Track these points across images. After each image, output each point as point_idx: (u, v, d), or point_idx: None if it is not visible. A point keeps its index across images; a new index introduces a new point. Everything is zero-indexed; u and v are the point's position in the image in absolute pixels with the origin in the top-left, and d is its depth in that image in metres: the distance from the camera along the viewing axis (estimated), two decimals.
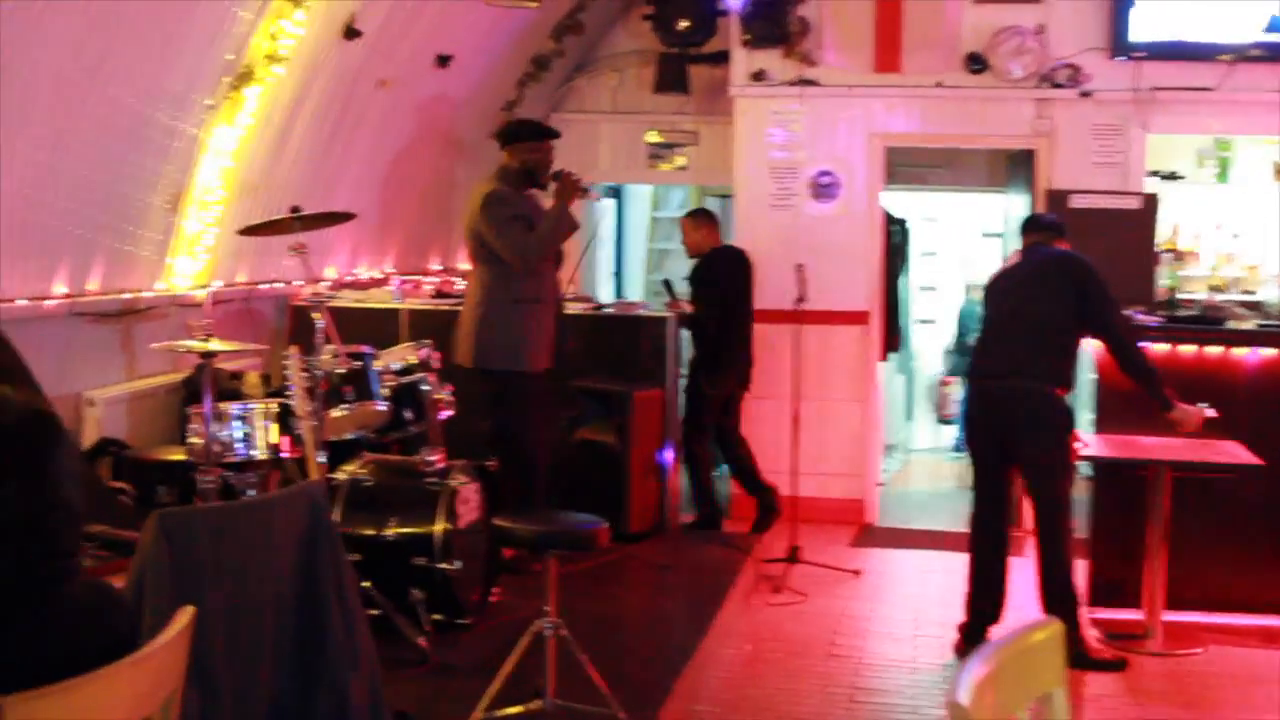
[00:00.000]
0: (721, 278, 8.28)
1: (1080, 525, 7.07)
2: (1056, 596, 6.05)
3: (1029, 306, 6.21)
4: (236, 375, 6.62)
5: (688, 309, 8.08)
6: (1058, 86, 8.84)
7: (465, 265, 10.03)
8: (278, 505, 3.68)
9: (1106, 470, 6.97)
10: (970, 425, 6.52)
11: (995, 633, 6.27)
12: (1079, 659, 6.01)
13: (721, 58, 9.44)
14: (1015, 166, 9.52)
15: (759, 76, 9.07)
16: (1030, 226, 6.69)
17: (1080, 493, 7.08)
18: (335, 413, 5.47)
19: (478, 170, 9.64)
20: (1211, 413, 6.25)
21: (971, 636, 6.28)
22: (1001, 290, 6.44)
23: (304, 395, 4.88)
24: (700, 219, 8.57)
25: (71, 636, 2.33)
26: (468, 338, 6.55)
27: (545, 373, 6.65)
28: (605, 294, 11.22)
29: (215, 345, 5.27)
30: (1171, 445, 6.54)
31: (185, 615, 2.56)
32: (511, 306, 6.49)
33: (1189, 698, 5.99)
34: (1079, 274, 6.19)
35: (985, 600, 6.30)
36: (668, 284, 8.48)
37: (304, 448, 4.95)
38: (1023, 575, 6.49)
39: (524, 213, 6.51)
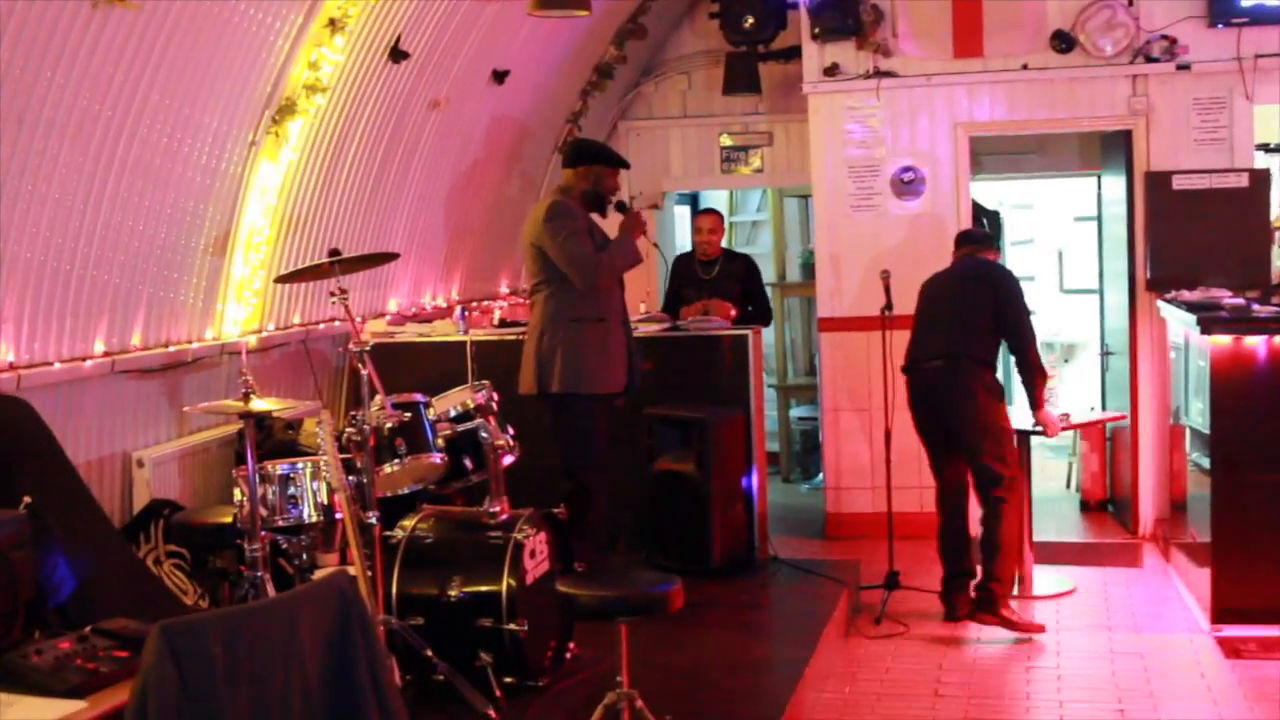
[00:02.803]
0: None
1: (1201, 531, 6.76)
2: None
3: (954, 303, 6.96)
4: (293, 425, 6.30)
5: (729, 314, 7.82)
6: (1153, 61, 8.31)
7: None
8: (301, 602, 3.30)
9: (1225, 473, 6.52)
10: (912, 406, 7.06)
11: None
12: (983, 605, 6.71)
13: (793, 53, 9.05)
14: (1110, 147, 8.99)
15: (832, 71, 8.63)
16: (963, 240, 7.33)
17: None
18: (388, 468, 5.15)
19: (543, 188, 9.32)
20: (1063, 416, 7.37)
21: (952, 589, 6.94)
22: (932, 292, 7.15)
23: (338, 467, 4.51)
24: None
25: None
26: (528, 362, 6.22)
27: (615, 397, 6.28)
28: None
29: (257, 404, 4.91)
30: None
31: None
32: (570, 326, 6.14)
33: None
34: (996, 279, 6.98)
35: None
36: None
37: (345, 523, 4.57)
38: None
39: (589, 229, 6.17)
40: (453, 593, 5.16)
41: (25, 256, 4.94)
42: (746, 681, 5.55)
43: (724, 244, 8.69)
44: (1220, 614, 6.54)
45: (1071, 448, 9.91)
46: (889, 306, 7.32)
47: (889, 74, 8.58)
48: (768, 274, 10.97)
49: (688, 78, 10.06)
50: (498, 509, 5.32)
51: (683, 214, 11.24)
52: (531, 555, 5.27)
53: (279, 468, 5.09)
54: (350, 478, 4.89)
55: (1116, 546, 8.31)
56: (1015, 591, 6.99)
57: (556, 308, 6.17)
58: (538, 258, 6.19)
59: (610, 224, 6.36)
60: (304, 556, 5.21)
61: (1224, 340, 6.57)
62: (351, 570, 4.48)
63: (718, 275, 8.36)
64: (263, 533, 4.94)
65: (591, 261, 6.06)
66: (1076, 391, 11.51)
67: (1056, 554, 8.05)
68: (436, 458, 5.32)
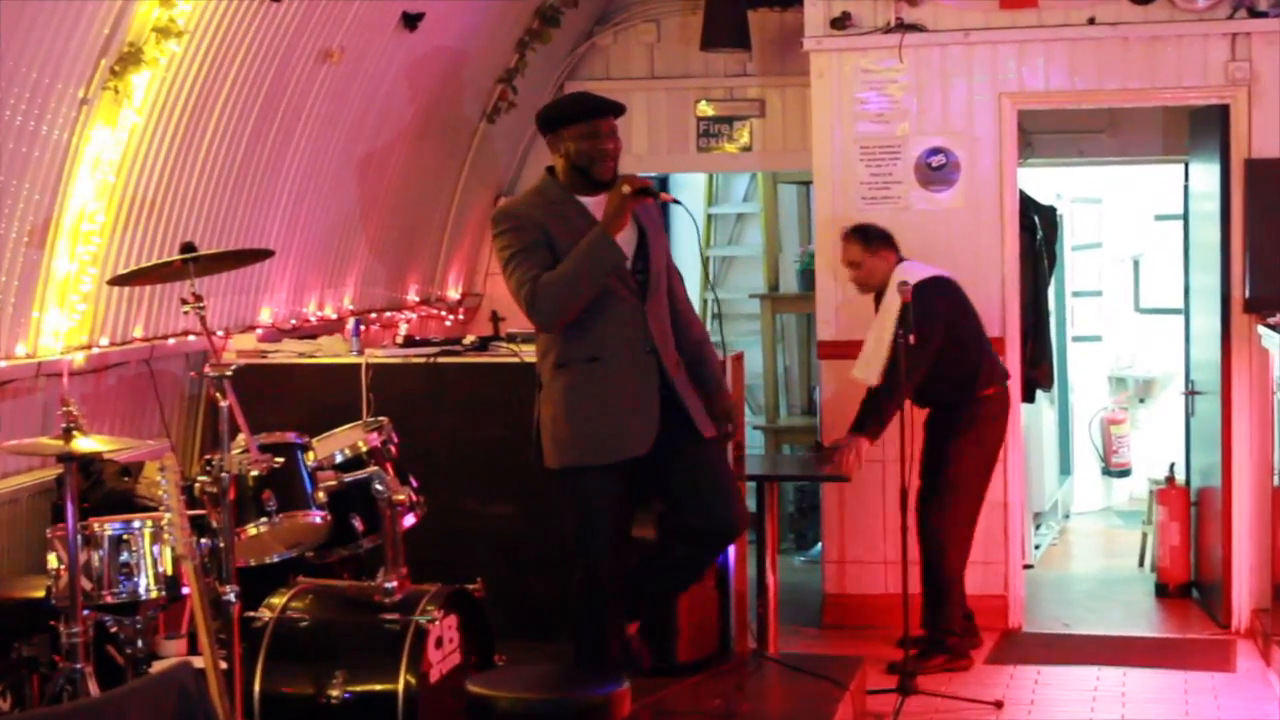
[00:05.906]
0: None
1: None
2: None
3: None
4: (130, 471, 6.30)
5: None
6: (1259, 15, 8.42)
7: (454, 293, 9.82)
8: (131, 703, 3.34)
9: None
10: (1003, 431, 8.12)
11: None
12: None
13: None
14: (1201, 126, 9.10)
15: (842, 22, 8.70)
16: (887, 241, 7.98)
17: None
18: (252, 529, 5.18)
19: (467, 166, 9.36)
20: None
21: None
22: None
23: (186, 527, 4.53)
24: None
25: None
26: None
27: (630, 464, 5.81)
28: None
29: (82, 443, 4.92)
30: None
31: None
32: (555, 373, 5.79)
33: None
34: None
35: None
36: None
37: (194, 601, 4.59)
38: None
39: (543, 238, 5.75)
40: (334, 693, 5.19)
41: None
42: None
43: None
44: None
45: (1146, 515, 10.00)
46: (910, 328, 7.36)
47: (915, 27, 8.65)
48: (755, 282, 11.09)
49: (656, 27, 10.11)
50: (394, 584, 5.35)
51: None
52: (437, 645, 5.32)
53: (109, 527, 5.12)
54: (203, 541, 4.90)
55: (1202, 644, 8.38)
56: None
57: (543, 345, 5.88)
58: None
59: None
60: (139, 643, 5.25)
61: None
62: (199, 662, 4.48)
63: None
64: (85, 612, 4.95)
65: (536, 295, 5.63)
66: (1153, 441, 11.64)
67: (1125, 652, 8.11)
68: (316, 516, 5.37)
